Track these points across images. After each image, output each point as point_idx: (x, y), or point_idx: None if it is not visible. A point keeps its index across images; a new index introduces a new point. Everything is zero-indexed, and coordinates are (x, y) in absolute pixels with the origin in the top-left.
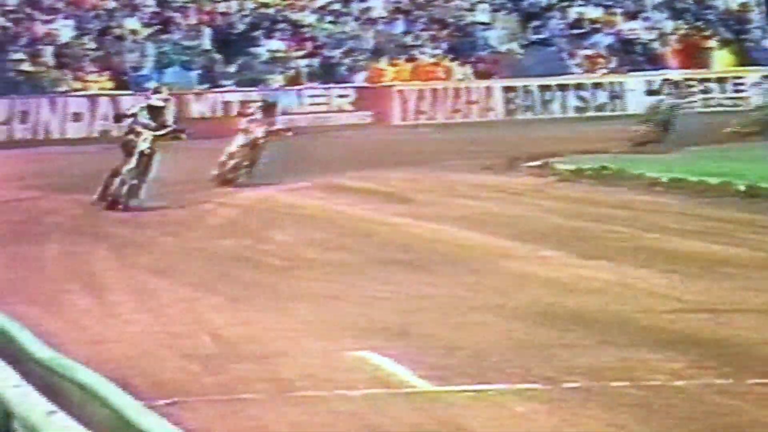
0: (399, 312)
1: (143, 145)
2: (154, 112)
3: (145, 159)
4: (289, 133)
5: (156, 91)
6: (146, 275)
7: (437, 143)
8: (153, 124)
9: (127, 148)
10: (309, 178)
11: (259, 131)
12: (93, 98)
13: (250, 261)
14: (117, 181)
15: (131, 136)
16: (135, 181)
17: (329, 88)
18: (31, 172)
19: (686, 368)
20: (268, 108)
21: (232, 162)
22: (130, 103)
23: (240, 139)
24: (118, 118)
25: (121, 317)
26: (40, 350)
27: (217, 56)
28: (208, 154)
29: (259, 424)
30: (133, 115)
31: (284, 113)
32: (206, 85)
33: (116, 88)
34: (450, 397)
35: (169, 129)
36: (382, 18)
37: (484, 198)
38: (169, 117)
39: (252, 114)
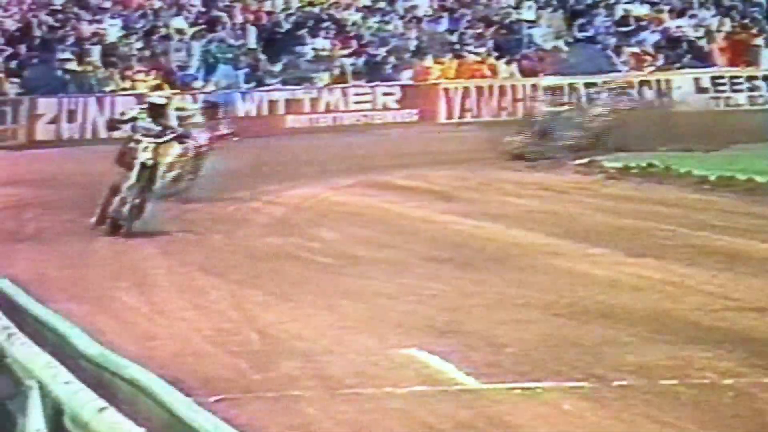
0: (446, 309)
1: (144, 155)
2: (155, 112)
3: (147, 172)
4: (236, 138)
5: (157, 87)
6: (195, 273)
7: (482, 143)
8: (155, 129)
9: (126, 160)
10: (353, 176)
11: (201, 137)
12: (140, 97)
13: (297, 259)
14: (116, 200)
15: (130, 145)
16: (137, 200)
17: (375, 86)
18: (78, 170)
19: (735, 366)
20: (211, 110)
21: (171, 174)
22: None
23: (178, 148)
24: (113, 124)
25: (170, 314)
26: (90, 347)
27: (263, 55)
28: (255, 153)
29: (307, 420)
30: (132, 119)
31: (329, 111)
32: (252, 84)
33: (164, 88)
34: (497, 395)
35: (172, 135)
36: (427, 16)
37: (531, 196)
38: (172, 118)
39: (191, 117)
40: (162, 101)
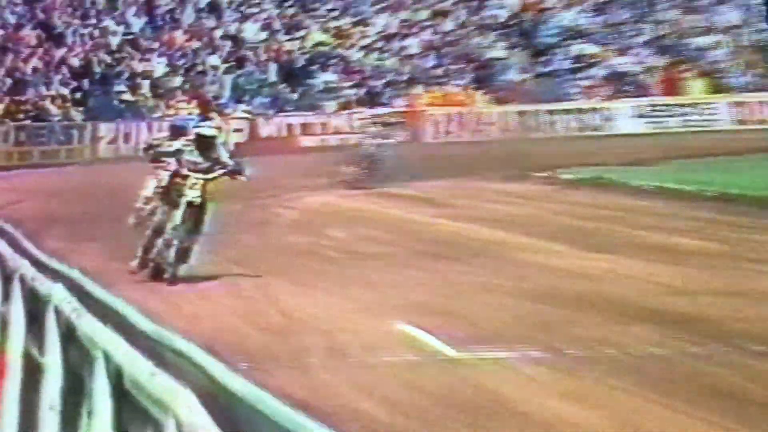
0: (434, 294)
1: (192, 193)
2: (204, 144)
3: (195, 212)
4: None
5: (205, 117)
6: (229, 265)
7: (463, 158)
8: (203, 163)
9: (170, 198)
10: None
11: (173, 165)
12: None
13: (313, 253)
14: (160, 242)
15: (176, 180)
16: (184, 243)
17: (373, 112)
18: (131, 182)
19: (666, 339)
20: (178, 135)
21: (148, 207)
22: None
23: (154, 182)
24: (152, 155)
25: (210, 299)
26: (145, 324)
27: (282, 86)
28: (275, 167)
29: (320, 383)
30: (177, 152)
31: (336, 132)
32: (273, 110)
33: (201, 113)
34: (473, 362)
35: (223, 170)
36: (417, 54)
37: (503, 202)
38: (223, 151)
39: (159, 145)
40: (211, 132)
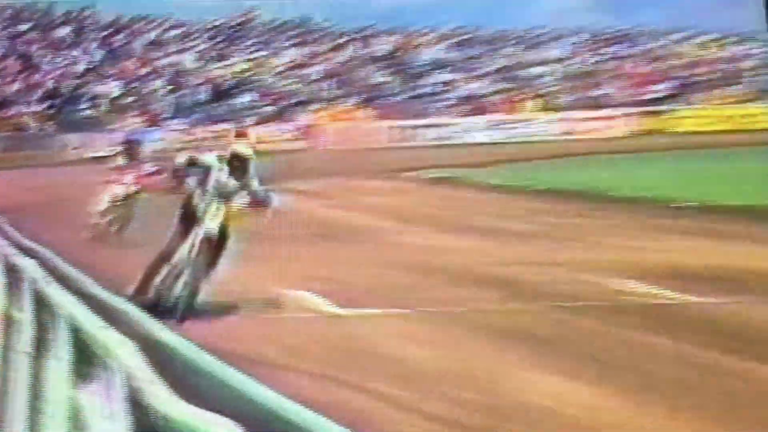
0: (325, 267)
1: (212, 223)
2: (238, 165)
3: (213, 244)
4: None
5: (240, 134)
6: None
7: (347, 162)
8: (231, 186)
9: (186, 221)
10: (265, 185)
11: (127, 179)
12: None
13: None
14: (166, 270)
15: (194, 201)
16: (196, 274)
17: (282, 125)
18: (90, 180)
19: (496, 298)
20: (132, 149)
21: (104, 221)
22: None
23: (108, 196)
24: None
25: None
26: (97, 290)
27: (212, 105)
28: None
29: (240, 334)
30: (204, 168)
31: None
32: (205, 124)
33: (148, 126)
34: (353, 318)
35: (248, 200)
36: (318, 79)
37: (378, 195)
38: (254, 177)
39: (114, 158)
40: (249, 153)
